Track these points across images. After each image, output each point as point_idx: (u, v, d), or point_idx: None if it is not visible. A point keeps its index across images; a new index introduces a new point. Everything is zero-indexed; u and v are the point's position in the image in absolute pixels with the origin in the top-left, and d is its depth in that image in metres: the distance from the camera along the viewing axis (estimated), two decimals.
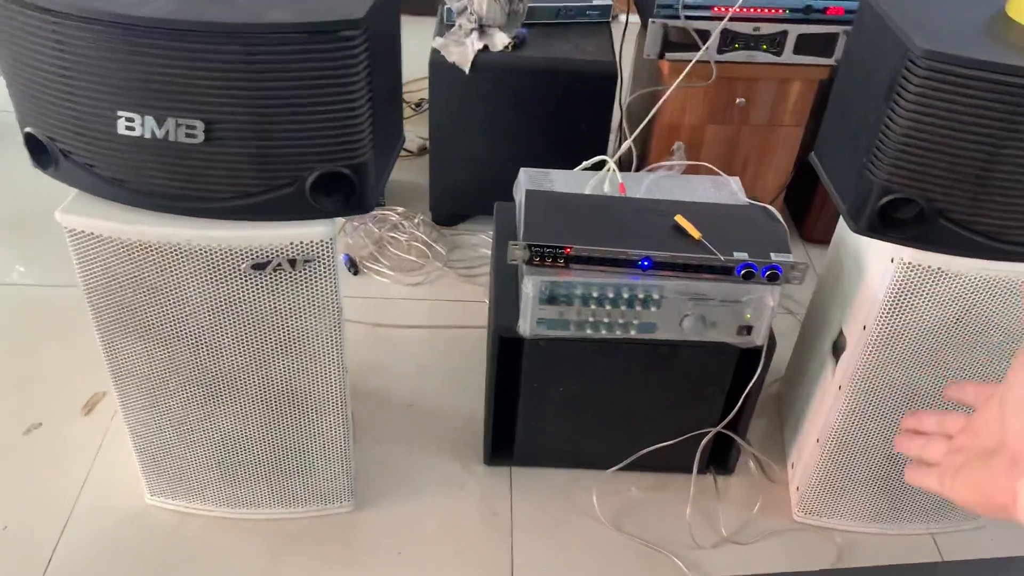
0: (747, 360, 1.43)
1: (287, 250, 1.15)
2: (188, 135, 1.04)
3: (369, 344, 1.83)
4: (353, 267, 2.00)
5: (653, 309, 1.34)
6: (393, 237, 2.09)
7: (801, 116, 1.97)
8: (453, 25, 1.94)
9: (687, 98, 1.91)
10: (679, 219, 1.35)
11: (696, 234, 1.33)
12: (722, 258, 1.30)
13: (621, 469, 1.56)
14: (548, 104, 1.94)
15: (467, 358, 1.81)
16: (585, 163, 1.56)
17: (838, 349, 1.43)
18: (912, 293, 1.22)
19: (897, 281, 1.22)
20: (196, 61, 0.99)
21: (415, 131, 2.48)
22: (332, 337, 1.26)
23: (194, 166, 1.07)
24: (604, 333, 1.37)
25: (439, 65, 1.89)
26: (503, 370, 1.45)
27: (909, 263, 1.20)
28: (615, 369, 1.44)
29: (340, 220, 1.19)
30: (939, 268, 1.19)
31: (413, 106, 2.61)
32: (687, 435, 1.51)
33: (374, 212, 2.13)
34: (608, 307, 1.34)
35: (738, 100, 1.93)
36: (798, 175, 2.08)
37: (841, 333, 1.42)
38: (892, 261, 1.22)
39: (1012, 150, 1.06)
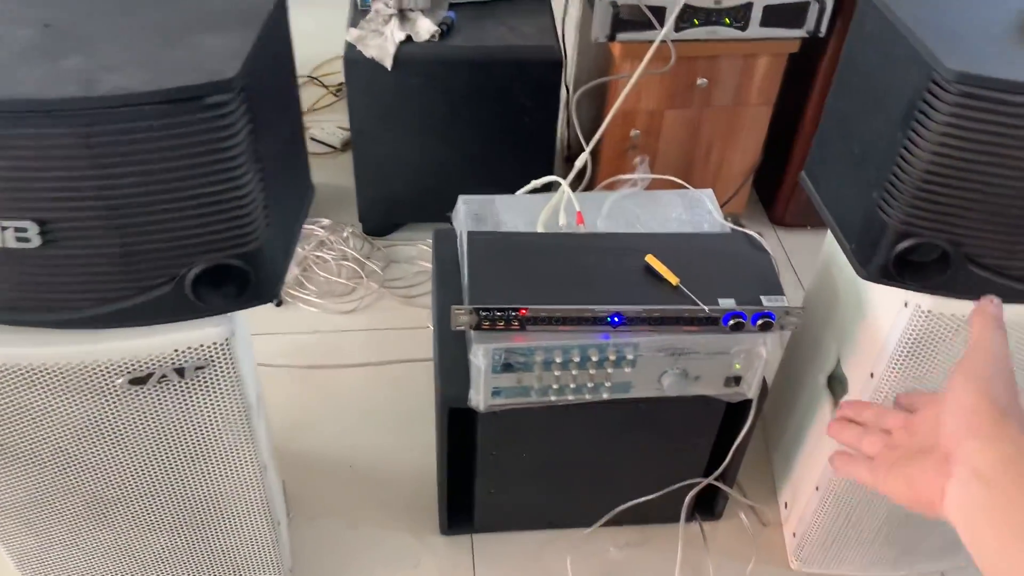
0: (736, 404, 1.24)
1: (171, 359, 0.91)
2: (19, 239, 0.79)
3: (299, 392, 1.60)
4: (275, 297, 1.75)
5: (627, 369, 1.14)
6: (319, 256, 1.84)
7: (769, 94, 1.76)
8: (368, 11, 1.66)
9: (643, 83, 1.68)
10: (651, 261, 1.13)
11: (673, 279, 1.12)
12: (706, 309, 1.09)
13: (598, 527, 1.37)
14: (485, 98, 1.69)
15: (414, 400, 1.59)
16: (535, 183, 1.33)
17: (836, 386, 1.25)
18: (931, 343, 1.04)
19: (913, 330, 1.04)
20: (12, 150, 0.73)
21: (336, 120, 2.21)
22: (242, 441, 1.03)
23: (35, 273, 0.82)
24: (572, 398, 1.16)
25: (356, 62, 1.62)
26: (456, 433, 1.25)
27: (928, 311, 1.01)
28: (586, 430, 1.24)
29: (242, 312, 0.95)
30: (964, 316, 1.01)
31: (333, 91, 2.33)
32: (670, 488, 1.33)
33: None
34: (575, 371, 1.13)
35: (699, 81, 1.71)
36: (766, 156, 1.88)
37: (839, 366, 1.24)
38: (906, 306, 1.03)
39: None
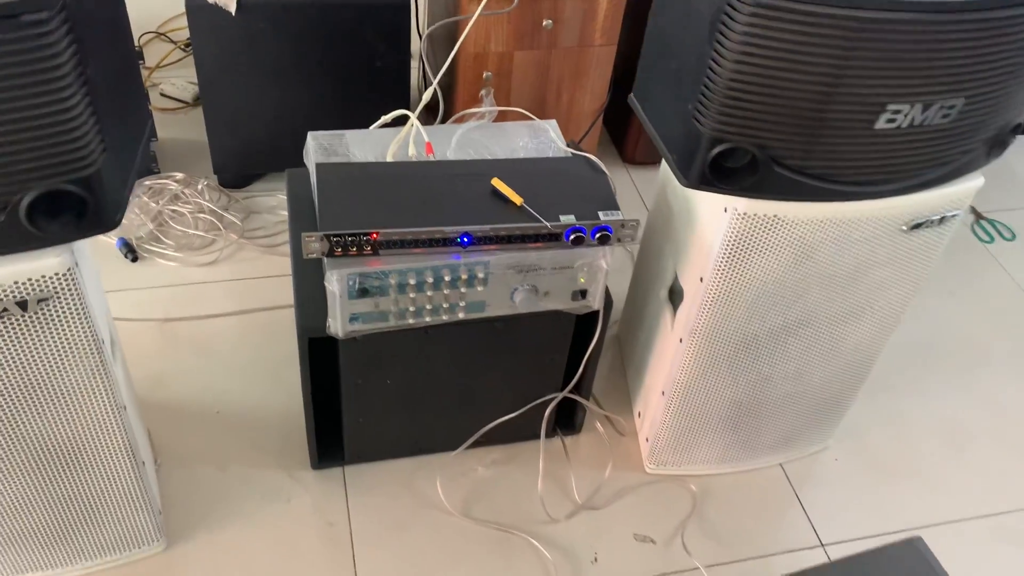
0: (585, 319, 1.32)
1: (11, 291, 0.90)
2: None
3: (161, 345, 1.58)
4: (130, 253, 1.72)
5: (480, 288, 1.19)
6: (174, 210, 1.81)
7: (612, 34, 1.83)
8: None
9: (490, 25, 1.72)
10: (496, 183, 1.19)
11: (517, 199, 1.18)
12: (548, 225, 1.16)
13: (465, 448, 1.44)
14: (336, 41, 1.70)
15: (279, 345, 1.60)
16: (384, 117, 1.36)
17: (675, 298, 1.35)
18: (749, 243, 1.14)
19: (732, 232, 1.13)
20: None
21: (186, 75, 2.16)
22: (97, 379, 1.03)
23: None
24: (429, 319, 1.21)
25: (199, 8, 1.59)
26: (320, 365, 1.28)
27: (744, 213, 1.11)
28: (447, 352, 1.30)
29: (84, 242, 0.95)
30: (775, 216, 1.11)
31: (181, 47, 2.27)
32: (531, 404, 1.41)
33: (147, 182, 1.83)
34: (430, 292, 1.18)
35: (544, 22, 1.77)
36: (615, 96, 1.96)
37: (676, 279, 1.34)
38: (725, 211, 1.13)
39: (847, 88, 0.97)
